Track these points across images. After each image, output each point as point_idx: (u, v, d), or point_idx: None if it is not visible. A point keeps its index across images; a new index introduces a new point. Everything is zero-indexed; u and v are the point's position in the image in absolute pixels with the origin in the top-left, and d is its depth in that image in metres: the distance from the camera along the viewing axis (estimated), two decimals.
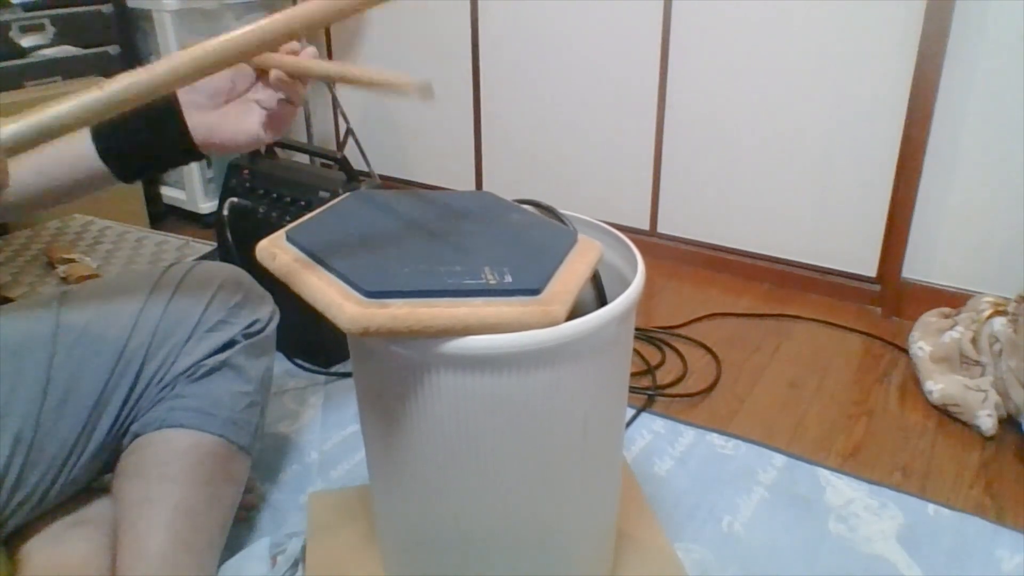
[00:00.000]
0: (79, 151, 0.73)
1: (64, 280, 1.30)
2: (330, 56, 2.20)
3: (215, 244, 1.44)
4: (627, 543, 0.90)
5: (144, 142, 0.75)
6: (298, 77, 0.73)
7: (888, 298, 1.54)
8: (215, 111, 0.74)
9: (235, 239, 1.31)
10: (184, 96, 0.73)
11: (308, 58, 0.73)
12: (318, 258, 0.64)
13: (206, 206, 2.00)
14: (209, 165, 2.00)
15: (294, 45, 0.75)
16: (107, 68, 1.84)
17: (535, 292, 0.61)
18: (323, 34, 2.18)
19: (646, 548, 0.90)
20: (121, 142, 0.74)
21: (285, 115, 0.76)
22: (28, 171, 0.72)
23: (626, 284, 0.67)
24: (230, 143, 0.75)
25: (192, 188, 2.00)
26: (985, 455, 1.13)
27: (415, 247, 0.67)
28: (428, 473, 0.68)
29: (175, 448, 0.80)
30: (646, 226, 1.81)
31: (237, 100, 0.75)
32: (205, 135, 0.75)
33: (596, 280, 0.76)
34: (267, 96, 0.74)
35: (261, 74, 0.75)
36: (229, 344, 0.85)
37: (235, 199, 1.35)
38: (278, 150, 1.44)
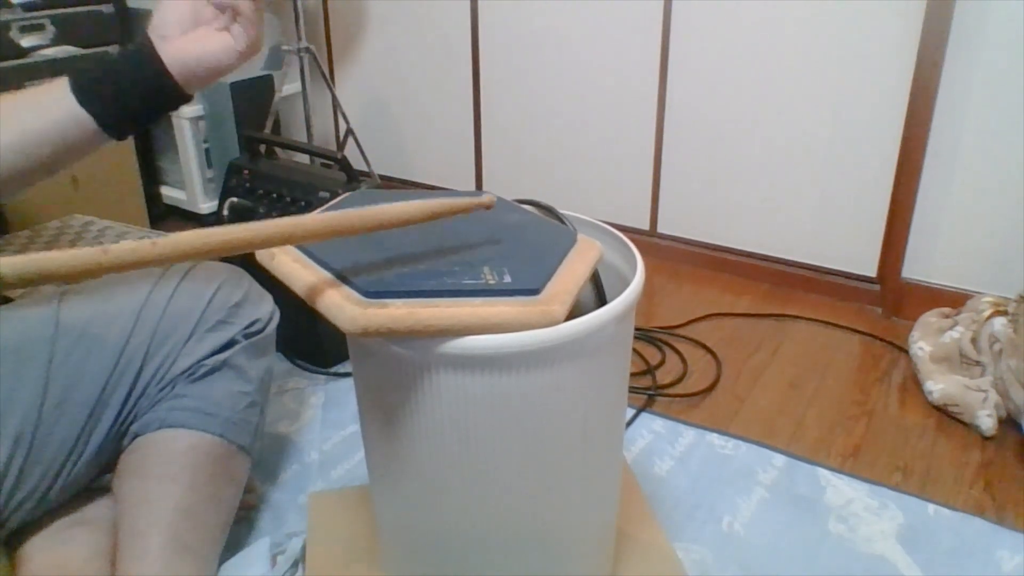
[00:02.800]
0: (64, 107, 0.72)
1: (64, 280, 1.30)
2: (330, 56, 2.20)
3: None
4: (627, 543, 0.90)
5: (125, 86, 0.74)
6: None
7: (888, 298, 1.54)
8: (183, 36, 0.74)
9: None
10: (153, 35, 0.74)
11: None
12: (318, 258, 0.64)
13: (206, 206, 2.00)
14: (209, 165, 2.00)
15: None
16: None
17: (534, 292, 0.61)
18: (323, 34, 2.18)
19: (646, 548, 0.90)
20: (102, 89, 0.73)
21: (248, 14, 0.74)
22: (15, 134, 0.71)
23: (626, 284, 0.67)
24: (208, 59, 0.75)
25: (192, 188, 2.00)
26: (985, 455, 1.13)
27: (414, 247, 0.67)
28: (428, 473, 0.68)
29: (175, 448, 0.80)
30: (646, 226, 1.81)
31: (204, 28, 0.75)
32: (181, 62, 0.74)
33: (596, 280, 0.76)
34: (229, 22, 0.74)
35: (224, 7, 0.75)
36: (229, 344, 0.85)
37: (235, 199, 1.35)
38: (278, 150, 1.44)
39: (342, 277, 0.61)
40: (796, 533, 0.97)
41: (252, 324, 0.88)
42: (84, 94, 0.73)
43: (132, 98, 0.75)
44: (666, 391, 1.29)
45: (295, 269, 0.63)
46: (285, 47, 1.89)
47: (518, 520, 0.69)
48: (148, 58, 0.74)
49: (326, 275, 0.62)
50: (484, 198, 0.68)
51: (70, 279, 0.53)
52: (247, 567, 0.85)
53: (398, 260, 0.64)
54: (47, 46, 1.78)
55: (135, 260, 0.53)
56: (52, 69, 1.75)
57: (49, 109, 0.73)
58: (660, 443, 1.15)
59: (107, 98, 0.74)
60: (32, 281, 0.51)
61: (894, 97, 1.44)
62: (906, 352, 1.37)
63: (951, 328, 1.28)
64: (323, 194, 1.27)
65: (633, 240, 0.76)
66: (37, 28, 1.76)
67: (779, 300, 1.61)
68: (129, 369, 0.80)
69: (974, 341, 1.24)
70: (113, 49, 1.87)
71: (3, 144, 0.71)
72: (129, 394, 0.80)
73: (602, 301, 0.76)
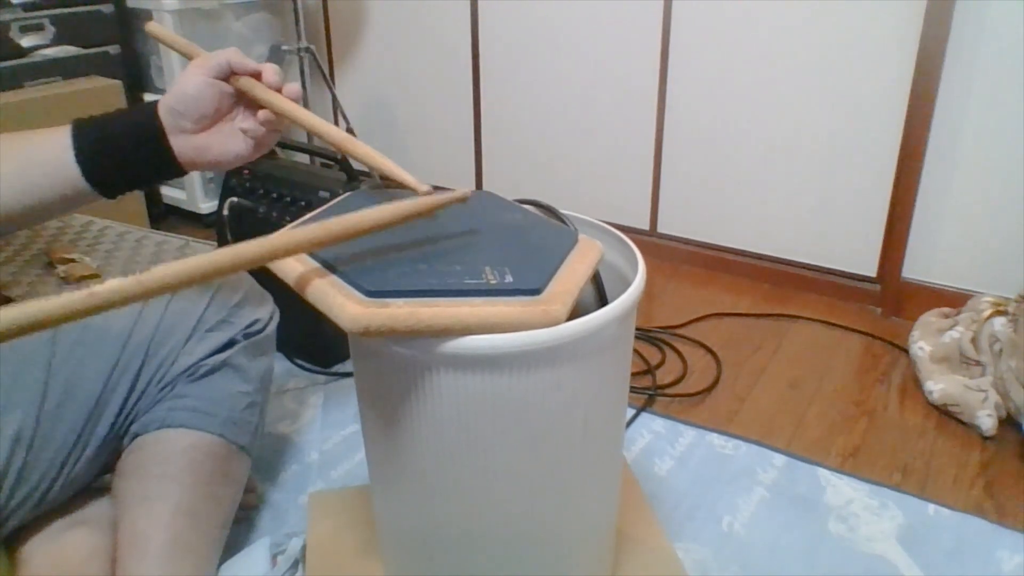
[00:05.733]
0: (66, 175, 0.72)
1: (64, 280, 1.30)
2: (330, 56, 2.20)
3: (215, 244, 1.44)
4: (627, 543, 0.90)
5: (129, 165, 0.75)
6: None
7: (888, 298, 1.54)
8: (201, 135, 0.75)
9: (235, 239, 1.31)
10: (169, 120, 0.74)
11: (292, 95, 0.75)
12: (319, 257, 0.64)
13: (206, 206, 2.00)
14: None
15: (274, 79, 0.75)
16: (107, 68, 1.84)
17: (536, 292, 0.61)
18: (323, 34, 2.18)
19: (646, 548, 0.90)
20: (106, 165, 0.73)
21: (269, 139, 0.77)
22: (15, 189, 0.72)
23: (627, 284, 0.67)
24: (217, 164, 0.77)
25: (192, 188, 1.99)
26: (985, 455, 1.13)
27: (415, 247, 0.67)
28: (428, 473, 0.68)
29: (175, 448, 0.80)
30: (646, 226, 1.81)
31: (222, 123, 0.76)
32: (192, 157, 0.76)
33: (597, 280, 0.76)
34: (253, 127, 0.76)
35: (242, 95, 0.76)
36: (229, 344, 0.85)
37: (235, 199, 1.35)
38: (278, 150, 1.44)
39: (343, 276, 0.61)
40: (796, 533, 0.97)
41: (252, 324, 0.88)
42: (88, 167, 0.72)
43: (136, 176, 0.76)
44: (666, 391, 1.29)
45: (296, 268, 0.63)
46: (285, 47, 1.89)
47: (518, 520, 0.69)
48: (159, 149, 0.74)
49: (327, 274, 0.62)
50: (459, 192, 0.68)
51: (53, 323, 0.54)
52: (247, 567, 0.85)
53: (399, 260, 0.64)
54: (47, 46, 1.78)
55: (120, 299, 0.54)
56: (52, 69, 1.75)
57: (49, 172, 0.72)
58: (660, 443, 1.15)
59: (111, 174, 0.74)
60: (22, 332, 0.52)
61: (894, 97, 1.44)
62: (906, 352, 1.37)
63: (951, 328, 1.28)
64: (323, 194, 1.27)
65: (633, 240, 0.76)
66: (37, 28, 1.76)
67: (779, 300, 1.61)
68: (129, 369, 0.80)
69: (974, 341, 1.24)
70: (113, 50, 1.87)
71: None
72: (129, 394, 0.80)
73: (603, 301, 0.76)
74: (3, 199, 0.71)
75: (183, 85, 0.73)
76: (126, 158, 0.74)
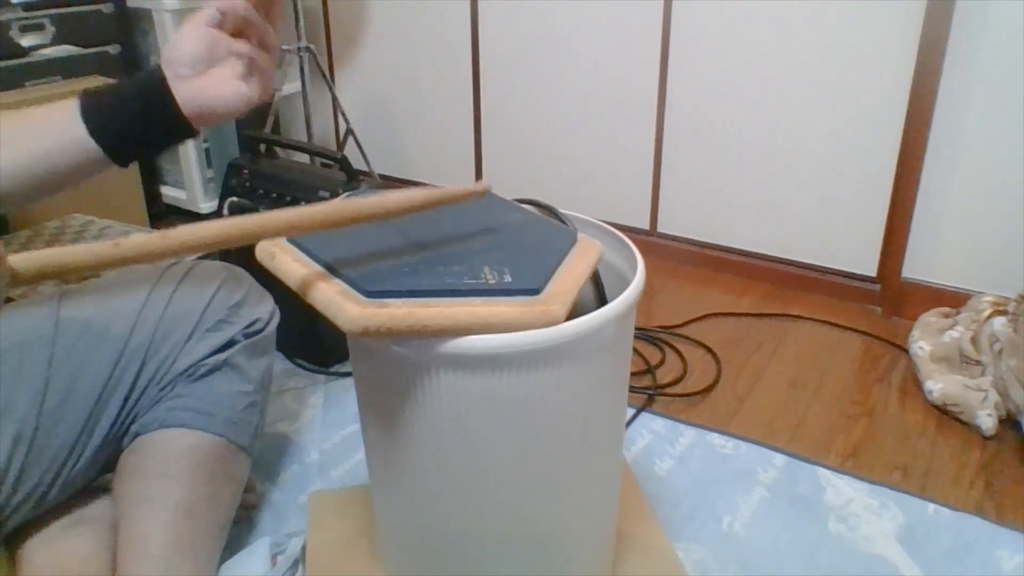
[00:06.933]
0: (72, 135, 0.72)
1: (64, 280, 1.30)
2: (330, 56, 2.20)
3: None
4: (627, 543, 0.90)
5: (135, 121, 0.74)
6: (268, 16, 0.75)
7: (888, 298, 1.54)
8: (198, 78, 0.74)
9: None
10: (168, 71, 0.74)
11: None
12: (318, 257, 0.64)
13: (206, 206, 2.00)
14: (209, 165, 2.00)
15: None
16: (107, 68, 1.84)
17: (535, 292, 0.61)
18: (323, 34, 2.18)
19: (646, 548, 0.90)
20: (113, 121, 0.73)
21: (265, 66, 0.76)
22: (22, 157, 0.72)
23: (626, 284, 0.67)
24: (219, 106, 0.75)
25: (192, 188, 1.99)
26: (985, 455, 1.13)
27: (415, 247, 0.67)
28: (428, 473, 0.68)
29: (175, 448, 0.80)
30: (646, 226, 1.81)
31: (218, 66, 0.75)
32: (194, 104, 0.74)
33: (596, 280, 0.76)
34: (242, 46, 0.75)
35: (238, 32, 0.76)
36: (229, 344, 0.85)
37: (235, 199, 1.35)
38: (278, 150, 1.44)
39: (342, 276, 0.61)
40: (796, 533, 0.97)
41: (252, 324, 0.88)
42: (94, 124, 0.72)
43: (142, 132, 0.75)
44: (666, 391, 1.29)
45: (295, 268, 0.63)
46: (285, 47, 1.89)
47: (518, 520, 0.70)
48: (161, 96, 0.74)
49: (326, 274, 0.62)
50: (479, 186, 0.69)
51: (77, 270, 0.55)
52: (247, 567, 0.85)
53: (398, 260, 0.64)
54: (47, 45, 1.77)
55: (145, 253, 0.54)
56: (52, 69, 1.75)
57: (56, 133, 0.73)
58: (660, 443, 1.15)
59: (117, 130, 0.74)
60: (46, 275, 0.52)
61: (894, 97, 1.44)
62: (906, 352, 1.36)
63: (951, 328, 1.28)
64: (323, 194, 1.27)
65: (633, 240, 0.76)
66: (37, 28, 1.76)
67: (779, 300, 1.61)
68: (129, 369, 0.80)
69: (974, 341, 1.24)
70: (113, 49, 1.87)
71: (6, 164, 0.71)
72: (129, 394, 0.80)
73: (602, 301, 0.76)
74: (10, 167, 0.71)
75: (177, 37, 0.74)
76: (132, 114, 0.74)
